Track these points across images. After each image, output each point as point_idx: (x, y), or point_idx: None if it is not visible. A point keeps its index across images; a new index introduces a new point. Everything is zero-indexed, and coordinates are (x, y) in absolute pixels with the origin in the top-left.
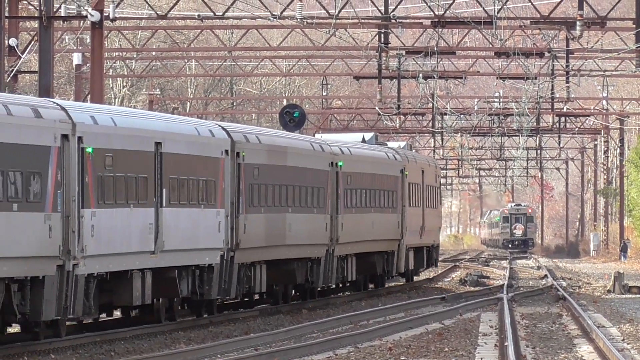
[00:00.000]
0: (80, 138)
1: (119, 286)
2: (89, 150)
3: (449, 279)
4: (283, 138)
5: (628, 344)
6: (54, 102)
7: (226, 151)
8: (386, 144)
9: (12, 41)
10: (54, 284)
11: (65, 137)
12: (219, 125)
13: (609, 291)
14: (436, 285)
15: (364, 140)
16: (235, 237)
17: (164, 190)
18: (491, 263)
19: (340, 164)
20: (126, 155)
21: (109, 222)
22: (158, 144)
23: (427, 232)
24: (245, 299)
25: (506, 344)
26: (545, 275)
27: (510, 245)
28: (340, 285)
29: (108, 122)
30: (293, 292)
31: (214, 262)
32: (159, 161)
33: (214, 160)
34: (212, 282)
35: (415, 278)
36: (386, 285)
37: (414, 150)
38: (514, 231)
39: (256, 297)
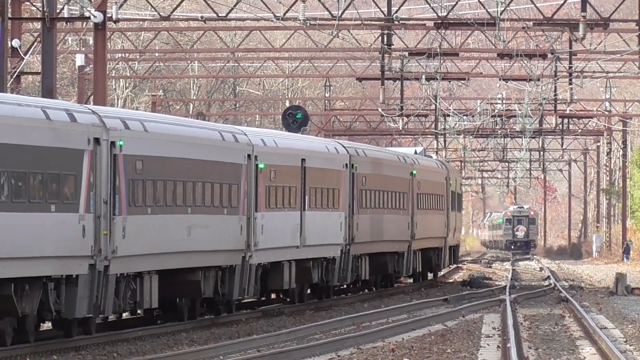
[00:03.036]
0: (256, 157)
1: (273, 274)
2: (261, 166)
3: (451, 280)
4: (379, 152)
5: (630, 345)
6: (239, 129)
7: (345, 164)
8: (431, 157)
9: (15, 42)
10: (239, 271)
11: (248, 156)
12: (340, 143)
13: (611, 293)
14: (439, 286)
15: (415, 153)
16: (351, 233)
17: (306, 197)
18: (494, 265)
19: (414, 172)
20: (283, 169)
21: (272, 222)
22: (303, 160)
23: (456, 232)
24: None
25: (509, 345)
26: (548, 277)
27: (512, 247)
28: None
29: (272, 144)
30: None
31: (336, 254)
32: (304, 174)
33: (338, 172)
34: (334, 271)
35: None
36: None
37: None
38: (516, 233)
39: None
